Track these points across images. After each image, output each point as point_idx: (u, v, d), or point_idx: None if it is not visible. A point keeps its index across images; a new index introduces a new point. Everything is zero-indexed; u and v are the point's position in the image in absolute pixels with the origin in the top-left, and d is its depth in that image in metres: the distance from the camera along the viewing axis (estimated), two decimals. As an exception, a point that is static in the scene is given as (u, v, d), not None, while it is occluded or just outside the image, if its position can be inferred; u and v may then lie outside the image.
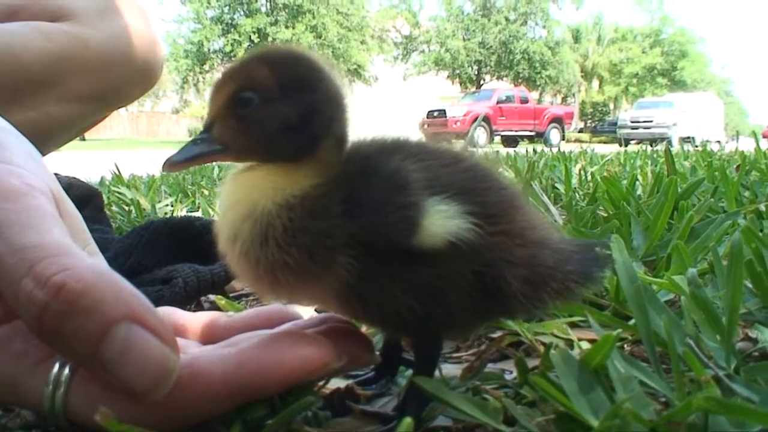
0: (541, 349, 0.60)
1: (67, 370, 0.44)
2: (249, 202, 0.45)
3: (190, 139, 0.48)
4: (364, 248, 0.44)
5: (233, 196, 0.46)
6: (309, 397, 0.42)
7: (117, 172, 2.55)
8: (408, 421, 0.38)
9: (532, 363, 0.59)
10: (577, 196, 1.55)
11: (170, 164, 0.46)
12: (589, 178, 1.99)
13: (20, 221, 0.44)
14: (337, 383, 0.56)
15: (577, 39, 39.43)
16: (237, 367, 0.44)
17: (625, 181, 1.61)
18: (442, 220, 0.44)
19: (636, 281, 0.55)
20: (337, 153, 0.47)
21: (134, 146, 14.79)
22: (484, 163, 0.51)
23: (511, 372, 0.58)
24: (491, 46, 30.83)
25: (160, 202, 1.94)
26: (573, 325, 0.68)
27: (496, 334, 0.69)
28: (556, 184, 1.83)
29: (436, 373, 0.58)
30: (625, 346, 0.63)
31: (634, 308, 0.53)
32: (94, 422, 0.43)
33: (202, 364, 0.44)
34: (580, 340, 0.63)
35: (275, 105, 0.45)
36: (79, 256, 0.43)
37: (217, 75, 0.47)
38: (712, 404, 0.36)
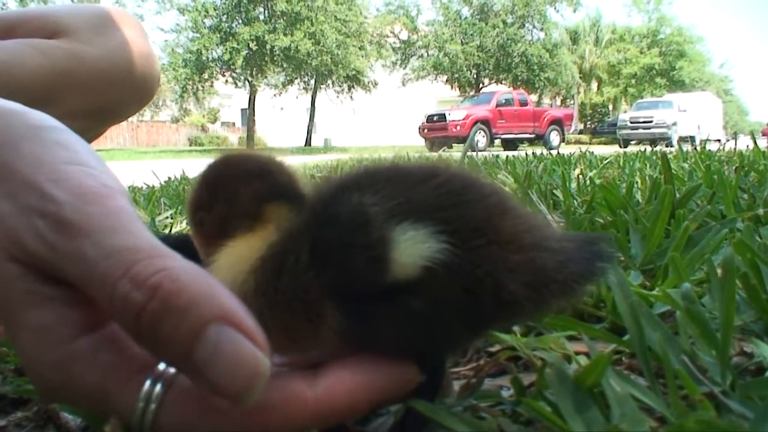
0: (539, 363, 0.60)
1: (158, 387, 0.43)
2: (228, 279, 0.46)
3: None
4: (343, 295, 0.44)
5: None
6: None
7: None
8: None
9: (530, 378, 0.59)
10: (576, 202, 1.55)
11: None
12: (588, 183, 1.99)
13: (107, 224, 0.44)
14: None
15: (574, 41, 39.53)
16: (328, 390, 0.43)
17: (624, 185, 1.61)
18: (412, 248, 0.43)
19: (630, 297, 0.55)
20: (287, 209, 0.48)
21: (134, 157, 14.82)
22: (464, 172, 0.50)
23: (509, 388, 0.58)
24: (489, 50, 30.85)
25: (160, 214, 1.93)
26: (571, 338, 0.68)
27: (495, 348, 0.70)
28: (555, 190, 1.82)
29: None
30: (623, 358, 0.63)
31: (628, 325, 0.54)
32: None
33: (294, 386, 0.43)
34: (577, 354, 0.63)
35: (214, 211, 0.50)
36: (173, 257, 0.43)
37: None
38: (703, 426, 0.36)
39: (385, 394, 0.45)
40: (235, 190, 0.50)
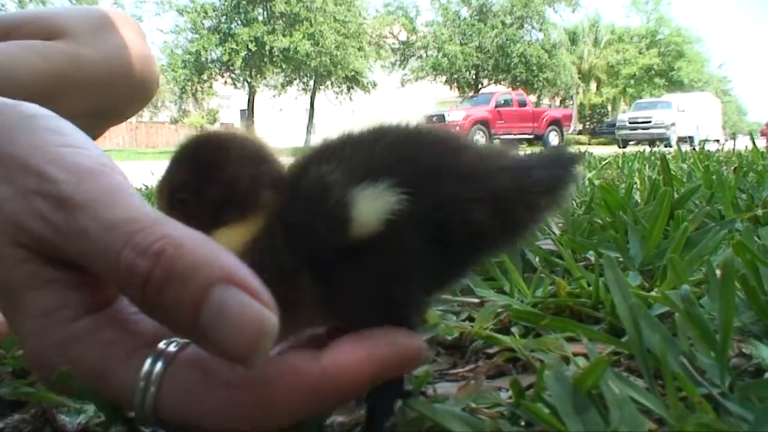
0: (538, 365, 0.60)
1: (159, 366, 0.43)
2: None
3: None
4: (316, 264, 0.45)
5: None
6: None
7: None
8: None
9: (529, 379, 0.59)
10: (574, 203, 1.55)
11: None
12: (587, 184, 1.99)
13: (105, 200, 0.44)
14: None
15: (573, 41, 39.52)
16: (333, 362, 0.42)
17: (622, 186, 1.61)
18: (371, 204, 0.44)
19: (629, 298, 0.55)
20: (275, 193, 0.48)
21: (133, 157, 14.79)
22: (414, 127, 0.50)
23: (507, 390, 0.58)
24: (488, 50, 30.84)
25: (158, 216, 1.93)
26: (570, 340, 0.68)
27: (493, 350, 0.69)
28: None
29: (430, 391, 0.58)
30: (622, 360, 0.63)
31: (627, 326, 0.54)
32: (184, 420, 0.42)
33: (298, 359, 0.43)
34: (576, 355, 0.63)
35: (203, 194, 0.49)
36: (174, 224, 0.43)
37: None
38: (702, 428, 0.36)
39: (391, 367, 0.44)
40: (237, 174, 0.49)
